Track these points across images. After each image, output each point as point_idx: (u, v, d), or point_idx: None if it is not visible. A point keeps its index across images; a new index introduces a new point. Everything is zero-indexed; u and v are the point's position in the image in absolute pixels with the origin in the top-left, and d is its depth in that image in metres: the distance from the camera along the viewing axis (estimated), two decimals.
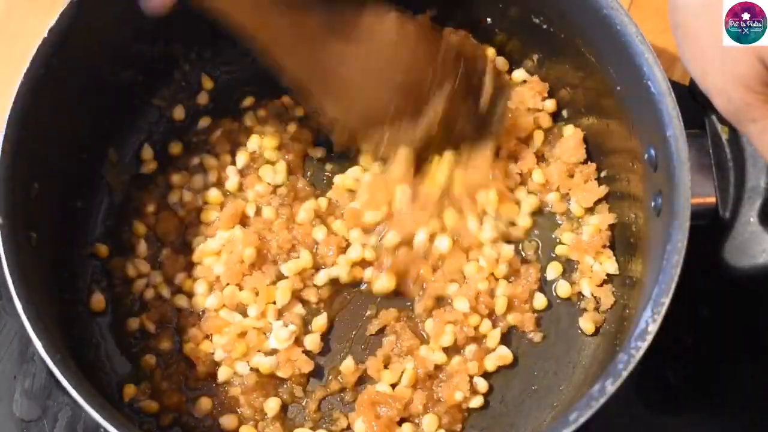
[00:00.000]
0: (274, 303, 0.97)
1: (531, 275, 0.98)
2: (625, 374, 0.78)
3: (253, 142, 1.04)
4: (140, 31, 0.98)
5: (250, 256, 0.97)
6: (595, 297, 0.98)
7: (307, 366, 0.95)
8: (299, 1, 0.92)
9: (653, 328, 0.78)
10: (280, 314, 0.97)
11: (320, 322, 0.97)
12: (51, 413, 0.99)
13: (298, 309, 0.97)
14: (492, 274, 0.98)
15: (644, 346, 0.78)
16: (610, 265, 0.98)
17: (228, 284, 0.97)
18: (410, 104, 0.94)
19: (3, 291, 0.95)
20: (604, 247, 0.99)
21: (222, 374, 0.95)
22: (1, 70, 1.08)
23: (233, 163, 1.03)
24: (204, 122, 1.05)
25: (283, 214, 1.00)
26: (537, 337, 0.97)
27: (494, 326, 0.97)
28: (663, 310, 0.79)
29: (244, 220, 1.01)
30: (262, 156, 1.04)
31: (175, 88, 1.06)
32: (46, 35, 0.88)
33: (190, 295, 0.98)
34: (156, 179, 1.03)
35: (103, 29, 0.92)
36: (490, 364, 0.95)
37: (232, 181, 1.02)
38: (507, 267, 0.98)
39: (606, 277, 0.98)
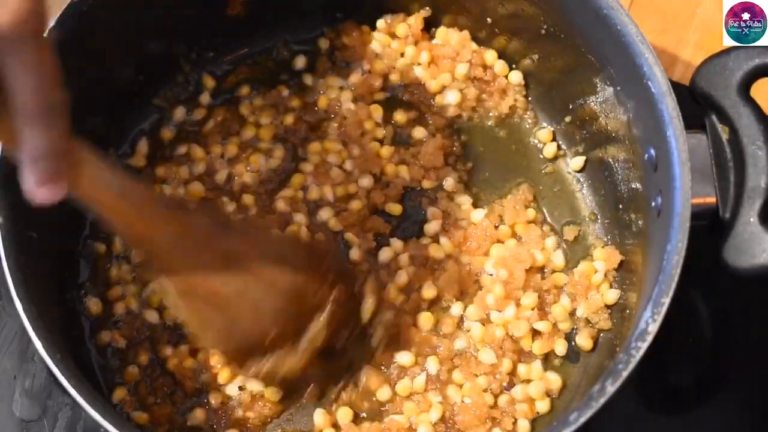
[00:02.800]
0: None
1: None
2: (625, 374, 0.77)
3: (248, 132, 1.04)
4: (141, 31, 0.98)
5: None
6: (589, 320, 0.97)
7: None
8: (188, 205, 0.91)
9: (653, 328, 0.78)
10: None
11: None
12: (51, 413, 0.98)
13: None
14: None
15: (644, 346, 0.78)
16: (611, 294, 0.97)
17: None
18: (291, 327, 0.88)
19: (3, 291, 0.95)
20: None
21: (215, 399, 0.94)
22: None
23: (223, 154, 1.03)
24: (199, 113, 1.05)
25: (262, 201, 1.00)
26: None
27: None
28: (663, 310, 0.79)
29: None
30: (254, 146, 1.03)
31: (175, 88, 1.06)
32: (45, 35, 0.87)
33: (161, 308, 0.97)
34: (144, 172, 1.02)
35: (103, 30, 0.92)
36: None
37: (221, 174, 1.01)
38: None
39: (604, 306, 0.97)
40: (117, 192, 0.77)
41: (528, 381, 0.95)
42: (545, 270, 0.99)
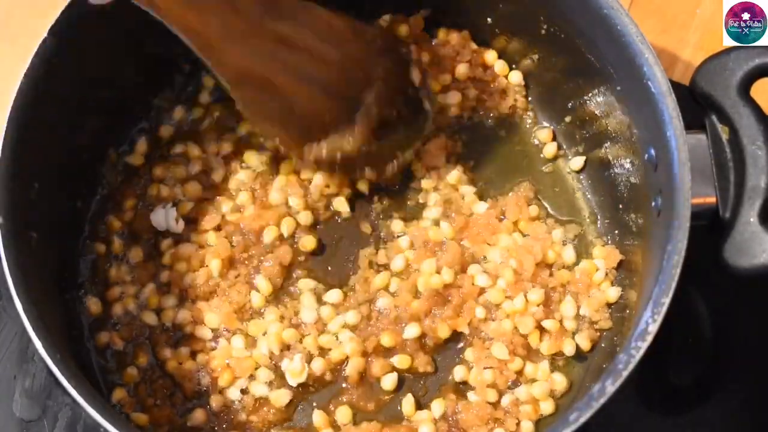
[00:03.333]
0: (264, 334, 0.96)
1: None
2: (625, 374, 0.77)
3: (244, 128, 1.03)
4: (141, 31, 0.97)
5: (217, 267, 0.96)
6: (591, 320, 0.97)
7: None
8: None
9: (653, 328, 0.78)
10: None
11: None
12: (51, 413, 0.98)
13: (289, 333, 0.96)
14: None
15: (644, 346, 0.78)
16: (612, 292, 0.97)
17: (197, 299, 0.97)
18: (344, 106, 0.90)
19: (3, 291, 0.95)
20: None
21: (216, 402, 0.94)
22: (1, 70, 1.08)
23: (218, 152, 1.03)
24: (197, 112, 1.05)
25: (258, 197, 1.00)
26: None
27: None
28: (663, 310, 0.79)
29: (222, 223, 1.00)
30: (247, 142, 1.03)
31: (175, 88, 1.06)
32: (46, 35, 0.88)
33: (158, 310, 0.97)
34: (141, 171, 1.02)
35: (104, 30, 0.92)
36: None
37: (218, 173, 1.02)
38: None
39: (605, 305, 0.97)
40: None
41: (533, 381, 0.95)
42: (553, 267, 0.99)
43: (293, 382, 0.94)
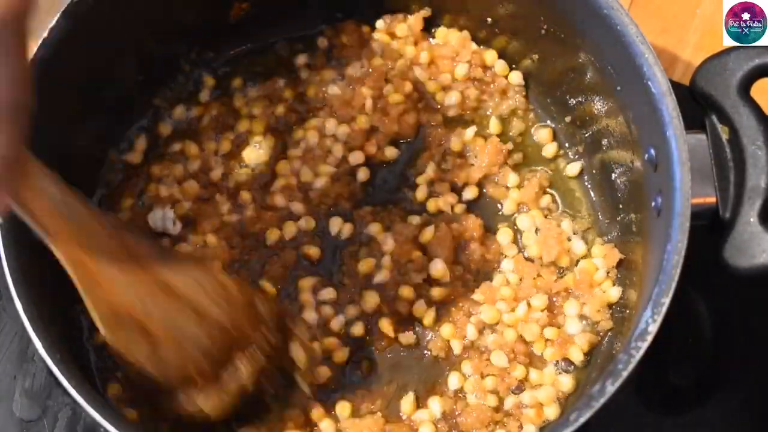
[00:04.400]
0: None
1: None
2: (625, 374, 0.77)
3: (242, 125, 1.03)
4: (140, 31, 0.98)
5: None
6: (593, 321, 0.96)
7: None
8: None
9: (653, 328, 0.78)
10: None
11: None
12: (51, 413, 0.99)
13: None
14: None
15: (644, 346, 0.78)
16: (614, 292, 0.96)
17: None
18: (214, 367, 0.86)
19: (3, 291, 0.95)
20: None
21: None
22: None
23: (217, 151, 1.03)
24: (197, 111, 1.05)
25: (259, 196, 1.01)
26: None
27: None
28: (663, 310, 0.79)
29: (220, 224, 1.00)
30: (246, 139, 1.03)
31: (175, 88, 1.06)
32: (46, 35, 0.88)
33: None
34: (140, 170, 1.02)
35: (103, 30, 0.92)
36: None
37: (216, 171, 1.01)
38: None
39: (607, 305, 0.96)
40: (60, 210, 0.75)
41: (539, 386, 0.94)
42: (562, 268, 0.99)
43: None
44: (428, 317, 0.96)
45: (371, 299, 0.96)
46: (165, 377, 0.84)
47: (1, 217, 0.82)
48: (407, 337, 0.96)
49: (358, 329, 0.96)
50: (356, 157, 1.02)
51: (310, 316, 0.96)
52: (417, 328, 0.97)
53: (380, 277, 0.97)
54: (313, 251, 0.99)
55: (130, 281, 0.81)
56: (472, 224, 0.99)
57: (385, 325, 0.95)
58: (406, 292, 0.96)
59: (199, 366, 0.85)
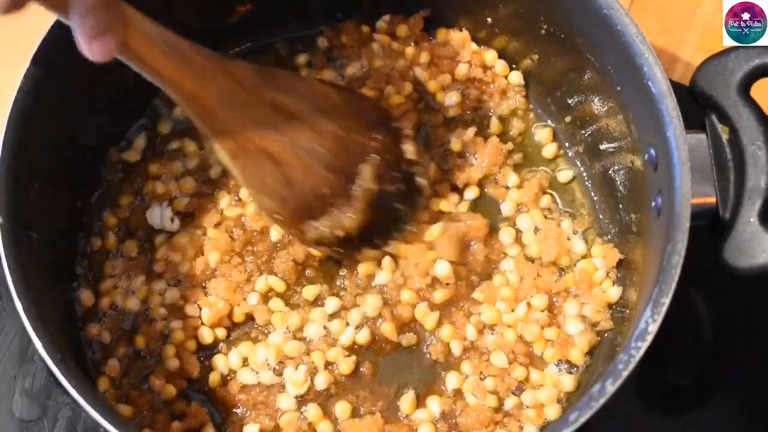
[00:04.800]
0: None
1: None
2: (625, 374, 0.77)
3: None
4: None
5: (215, 260, 0.97)
6: (593, 322, 0.96)
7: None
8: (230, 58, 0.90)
9: (653, 328, 0.78)
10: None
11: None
12: (51, 413, 0.99)
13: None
14: None
15: (644, 346, 0.78)
16: (613, 291, 0.96)
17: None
18: (341, 180, 0.89)
19: (3, 291, 0.95)
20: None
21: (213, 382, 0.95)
22: (1, 70, 1.08)
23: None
24: None
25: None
26: None
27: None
28: (663, 310, 0.79)
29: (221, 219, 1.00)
30: None
31: None
32: (46, 35, 0.88)
33: (144, 300, 0.97)
34: (139, 168, 1.03)
35: None
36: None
37: (215, 169, 1.01)
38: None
39: (607, 305, 0.97)
40: (164, 48, 0.77)
41: (540, 386, 0.94)
42: (562, 268, 0.99)
43: (293, 392, 0.94)
44: (430, 321, 0.96)
45: (374, 302, 0.96)
46: (307, 204, 0.88)
47: (1, 217, 0.82)
48: (408, 338, 0.96)
49: (363, 336, 0.96)
50: None
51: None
52: (417, 329, 0.97)
53: (382, 278, 0.97)
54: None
55: (245, 110, 0.83)
56: (479, 223, 0.99)
57: (388, 330, 0.95)
58: (409, 295, 0.96)
59: (329, 182, 0.87)
